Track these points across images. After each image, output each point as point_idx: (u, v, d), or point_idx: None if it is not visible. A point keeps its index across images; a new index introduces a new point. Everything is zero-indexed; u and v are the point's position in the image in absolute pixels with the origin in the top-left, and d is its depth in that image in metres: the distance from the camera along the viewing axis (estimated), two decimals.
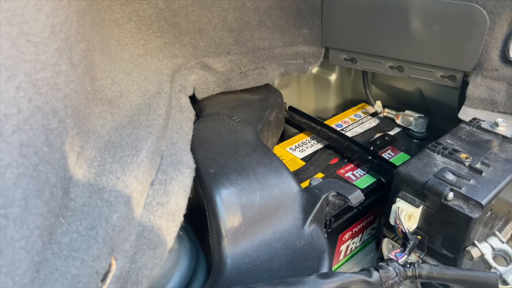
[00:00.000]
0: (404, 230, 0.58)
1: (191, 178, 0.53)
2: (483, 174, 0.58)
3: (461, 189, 0.55)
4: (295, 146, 0.87)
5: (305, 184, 0.74)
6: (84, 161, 0.45)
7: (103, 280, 0.40)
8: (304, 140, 0.88)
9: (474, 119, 0.70)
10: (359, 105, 1.03)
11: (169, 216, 0.48)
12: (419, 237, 0.60)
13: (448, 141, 0.65)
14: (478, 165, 0.60)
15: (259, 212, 0.55)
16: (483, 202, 0.53)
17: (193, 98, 0.72)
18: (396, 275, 0.49)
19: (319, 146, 0.87)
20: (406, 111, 0.91)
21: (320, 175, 0.77)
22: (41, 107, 0.38)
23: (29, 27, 0.38)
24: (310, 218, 0.56)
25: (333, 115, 0.99)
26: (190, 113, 0.65)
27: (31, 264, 0.36)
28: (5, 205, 0.34)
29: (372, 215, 0.76)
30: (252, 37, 0.74)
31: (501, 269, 0.54)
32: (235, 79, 0.75)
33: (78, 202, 0.42)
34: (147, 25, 0.63)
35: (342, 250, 0.74)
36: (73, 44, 0.44)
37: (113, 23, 0.58)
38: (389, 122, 0.94)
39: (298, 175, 0.77)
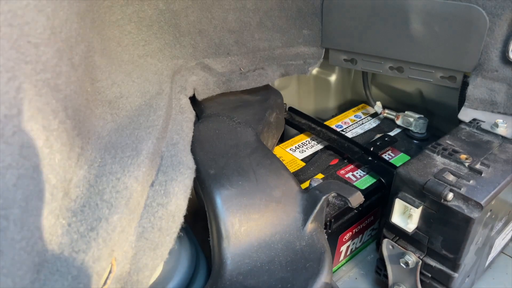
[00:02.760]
0: None
1: (191, 179, 0.53)
2: (482, 175, 0.58)
3: (460, 189, 0.55)
4: (295, 147, 0.87)
5: (305, 185, 0.74)
6: (84, 162, 0.45)
7: (104, 281, 0.40)
8: (304, 141, 0.89)
9: (474, 120, 0.70)
10: (359, 106, 1.03)
11: (169, 217, 0.48)
12: None
13: (448, 142, 0.65)
14: (477, 166, 0.60)
15: (259, 213, 0.55)
16: (483, 203, 0.53)
17: (193, 99, 0.72)
18: None
19: (319, 147, 0.87)
20: (406, 112, 0.91)
21: (320, 176, 0.77)
22: (42, 108, 0.38)
23: (30, 28, 0.38)
24: (310, 219, 0.56)
25: (333, 116, 0.99)
26: (190, 114, 0.65)
27: (32, 265, 0.36)
28: (5, 206, 0.34)
29: (372, 216, 0.76)
30: (252, 38, 0.74)
31: None
32: (235, 80, 0.75)
33: (78, 203, 0.42)
34: (147, 26, 0.63)
35: (342, 251, 0.74)
36: (74, 45, 0.44)
37: (113, 24, 0.58)
38: (389, 123, 0.95)
39: (298, 176, 0.77)
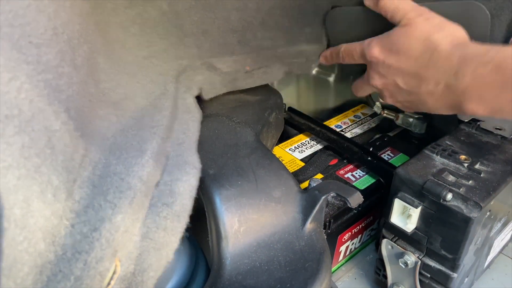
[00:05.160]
0: None
1: (197, 178, 0.53)
2: (482, 175, 0.58)
3: (459, 189, 0.56)
4: (295, 147, 0.87)
5: (304, 185, 0.74)
6: (88, 163, 0.44)
7: (107, 281, 0.40)
8: (304, 141, 0.89)
9: (474, 119, 0.70)
10: (359, 106, 1.03)
11: (174, 217, 0.47)
12: None
13: (448, 142, 0.65)
14: (477, 166, 0.60)
15: (258, 213, 0.55)
16: (482, 203, 0.54)
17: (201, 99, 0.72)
18: None
19: (319, 147, 0.87)
20: (406, 112, 0.91)
21: (319, 176, 0.78)
22: (43, 108, 0.38)
23: (31, 29, 0.38)
24: (310, 219, 0.56)
25: (332, 116, 0.99)
26: (197, 113, 0.65)
27: (33, 266, 0.36)
28: (6, 206, 0.34)
29: (372, 216, 0.76)
30: (255, 37, 0.74)
31: None
32: (241, 78, 0.74)
33: (82, 204, 0.41)
34: (151, 27, 0.63)
35: (341, 251, 0.74)
36: (76, 46, 0.44)
37: (117, 26, 0.58)
38: (389, 123, 0.95)
39: (298, 176, 0.77)
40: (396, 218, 0.62)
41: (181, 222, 0.48)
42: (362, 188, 0.74)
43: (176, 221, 0.48)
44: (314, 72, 1.08)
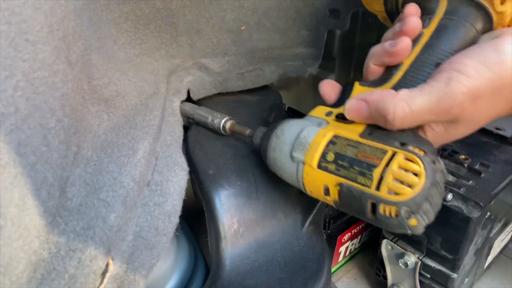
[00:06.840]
0: None
1: (185, 180, 0.53)
2: (482, 175, 0.58)
3: (460, 190, 0.55)
4: None
5: None
6: (81, 160, 0.44)
7: (100, 280, 0.40)
8: None
9: None
10: None
11: (165, 217, 0.48)
12: None
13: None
14: (477, 166, 0.59)
15: (258, 214, 0.55)
16: (482, 203, 0.53)
17: (191, 99, 0.72)
18: None
19: None
20: None
21: None
22: (39, 106, 0.38)
23: (27, 26, 0.38)
24: (309, 219, 0.56)
25: None
26: (181, 117, 0.65)
27: (28, 263, 0.36)
28: (2, 204, 0.34)
29: None
30: (251, 38, 0.74)
31: None
32: (232, 80, 0.74)
33: (75, 202, 0.41)
34: (144, 24, 0.62)
35: (341, 251, 0.74)
36: (71, 43, 0.44)
37: (110, 22, 0.58)
38: None
39: None
40: None
41: (172, 222, 0.49)
42: None
43: (167, 221, 0.48)
44: (314, 72, 1.08)
